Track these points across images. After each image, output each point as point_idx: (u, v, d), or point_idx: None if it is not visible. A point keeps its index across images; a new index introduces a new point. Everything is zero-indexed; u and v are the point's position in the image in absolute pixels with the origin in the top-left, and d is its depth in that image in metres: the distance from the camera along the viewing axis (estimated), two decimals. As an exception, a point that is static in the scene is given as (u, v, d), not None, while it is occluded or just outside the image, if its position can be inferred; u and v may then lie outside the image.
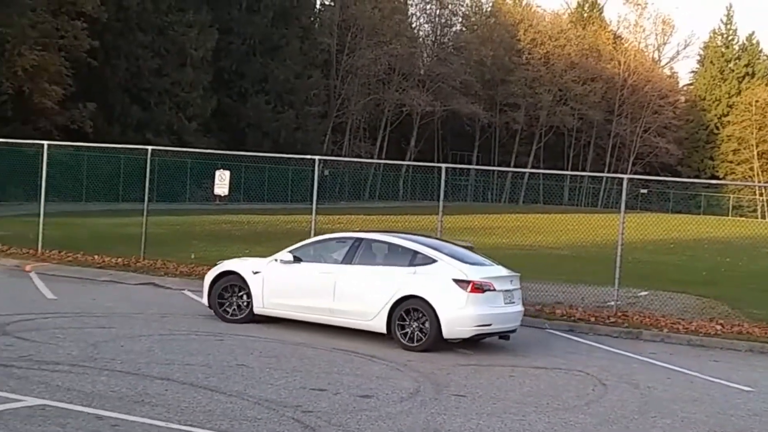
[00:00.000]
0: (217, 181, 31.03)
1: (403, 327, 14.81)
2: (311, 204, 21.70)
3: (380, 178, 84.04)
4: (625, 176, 21.10)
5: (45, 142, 24.56)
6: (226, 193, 32.95)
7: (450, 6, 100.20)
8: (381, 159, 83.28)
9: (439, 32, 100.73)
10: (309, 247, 16.28)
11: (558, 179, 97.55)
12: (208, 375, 11.56)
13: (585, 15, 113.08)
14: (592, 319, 18.26)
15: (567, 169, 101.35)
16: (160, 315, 16.07)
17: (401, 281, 14.98)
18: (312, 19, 78.73)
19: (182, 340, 13.96)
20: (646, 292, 21.72)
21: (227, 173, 31.24)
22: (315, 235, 19.27)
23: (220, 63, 64.70)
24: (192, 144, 53.74)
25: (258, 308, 15.96)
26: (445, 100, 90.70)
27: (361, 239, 15.92)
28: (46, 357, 11.89)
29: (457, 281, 14.65)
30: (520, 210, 63.41)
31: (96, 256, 22.73)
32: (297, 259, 15.85)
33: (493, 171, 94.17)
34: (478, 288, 14.60)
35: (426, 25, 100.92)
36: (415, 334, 14.67)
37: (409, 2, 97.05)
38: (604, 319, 18.24)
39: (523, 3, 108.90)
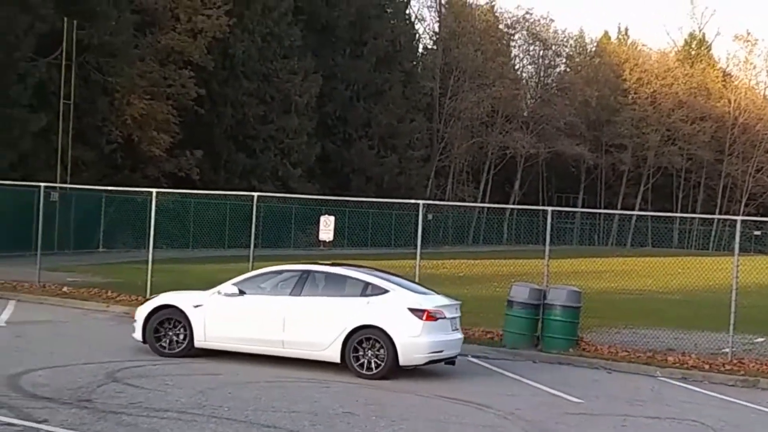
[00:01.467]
0: (322, 226, 31.19)
1: (357, 356, 15.20)
2: (414, 249, 21.58)
3: (484, 222, 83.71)
4: (738, 218, 20.55)
5: (154, 190, 24.91)
6: (331, 238, 33.10)
7: (554, 47, 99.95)
8: (485, 202, 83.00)
9: (542, 73, 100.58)
10: (253, 279, 16.57)
11: (667, 221, 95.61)
12: (315, 423, 11.49)
13: (692, 53, 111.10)
14: (706, 366, 17.68)
15: (676, 211, 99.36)
16: (268, 361, 15.99)
17: (355, 311, 15.41)
18: (414, 63, 79.25)
19: (288, 386, 13.91)
20: (763, 339, 21.01)
21: (332, 219, 31.41)
22: (420, 280, 19.12)
23: (324, 109, 65.42)
24: (296, 190, 54.26)
25: (200, 342, 16.10)
26: (549, 141, 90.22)
27: (308, 271, 16.34)
28: (155, 404, 11.95)
29: (412, 310, 15.21)
30: (627, 253, 62.42)
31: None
32: (241, 292, 16.06)
33: (600, 213, 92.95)
34: (432, 316, 15.22)
35: (529, 67, 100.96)
36: (372, 362, 15.12)
37: (512, 44, 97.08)
38: (719, 367, 17.66)
39: (629, 42, 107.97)
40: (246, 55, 56.58)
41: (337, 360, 15.34)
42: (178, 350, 16.07)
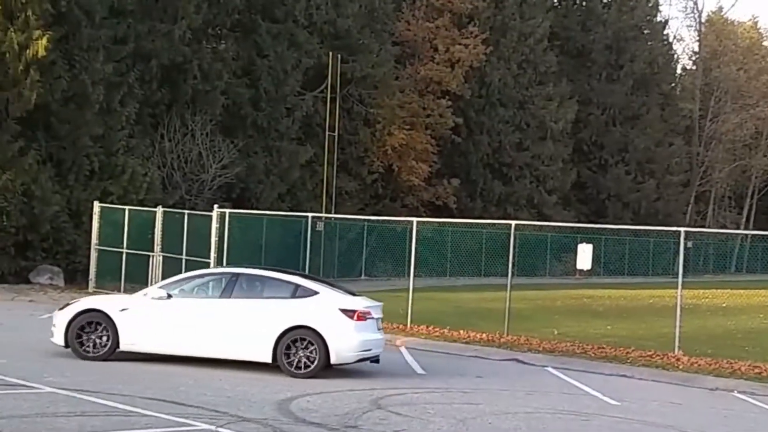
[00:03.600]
0: (579, 254, 31.01)
1: (288, 356, 15.83)
2: (673, 277, 21.11)
3: (747, 250, 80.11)
4: None
5: (414, 219, 25.51)
6: (589, 267, 32.86)
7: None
8: (748, 230, 79.55)
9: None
10: (181, 282, 17.01)
11: None
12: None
13: None
14: None
15: None
16: (525, 392, 16.15)
17: (286, 312, 16.09)
18: (673, 84, 77.37)
19: (548, 418, 13.94)
20: None
21: (590, 247, 31.16)
22: (681, 311, 18.74)
23: (580, 134, 64.93)
24: (551, 217, 54.11)
25: (126, 345, 16.35)
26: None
27: (237, 274, 16.93)
28: (416, 432, 12.27)
29: (344, 311, 16.07)
30: None
31: (461, 331, 23.26)
32: (169, 295, 16.41)
33: None
34: (362, 316, 16.14)
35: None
36: (303, 361, 15.80)
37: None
38: None
39: None
40: (502, 83, 57.08)
41: (269, 360, 15.97)
42: (100, 353, 16.33)
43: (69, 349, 16.46)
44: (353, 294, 17.39)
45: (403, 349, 20.98)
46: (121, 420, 11.57)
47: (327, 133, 45.09)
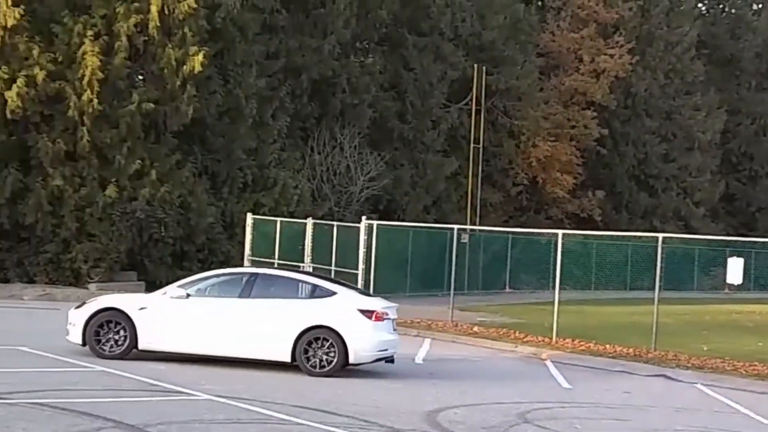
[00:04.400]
0: (729, 268, 30.40)
1: (307, 355, 16.08)
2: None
3: None
4: None
5: (560, 232, 25.43)
6: (740, 281, 32.15)
7: None
8: None
9: None
10: (199, 282, 17.12)
11: None
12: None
13: None
14: None
15: None
16: (674, 409, 16.00)
17: (305, 312, 16.32)
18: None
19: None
20: None
21: (740, 261, 30.51)
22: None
23: (728, 145, 63.43)
24: (698, 230, 53.07)
25: (145, 344, 16.43)
26: None
27: (256, 274, 17.23)
28: (563, 447, 12.40)
29: (362, 311, 16.32)
30: None
31: (607, 346, 23.08)
32: (188, 295, 16.52)
33: None
34: (380, 317, 16.42)
35: None
36: (322, 361, 16.04)
37: None
38: None
39: None
40: (648, 93, 56.34)
41: (288, 359, 16.18)
42: (117, 352, 16.42)
43: (86, 347, 16.66)
44: (369, 295, 17.92)
45: (548, 363, 21.00)
46: (276, 428, 11.89)
47: (472, 145, 45.41)
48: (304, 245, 29.91)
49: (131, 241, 30.90)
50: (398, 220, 37.75)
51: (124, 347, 16.45)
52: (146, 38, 31.71)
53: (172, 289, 17.01)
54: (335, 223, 30.98)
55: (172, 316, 16.60)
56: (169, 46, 31.68)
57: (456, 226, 29.35)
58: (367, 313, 16.47)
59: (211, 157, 34.49)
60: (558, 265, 24.65)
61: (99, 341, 16.49)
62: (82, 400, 12.31)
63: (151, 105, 31.18)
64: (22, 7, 29.95)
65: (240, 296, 16.73)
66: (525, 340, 23.92)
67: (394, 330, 17.31)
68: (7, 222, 30.34)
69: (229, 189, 34.60)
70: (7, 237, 30.56)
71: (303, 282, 17.31)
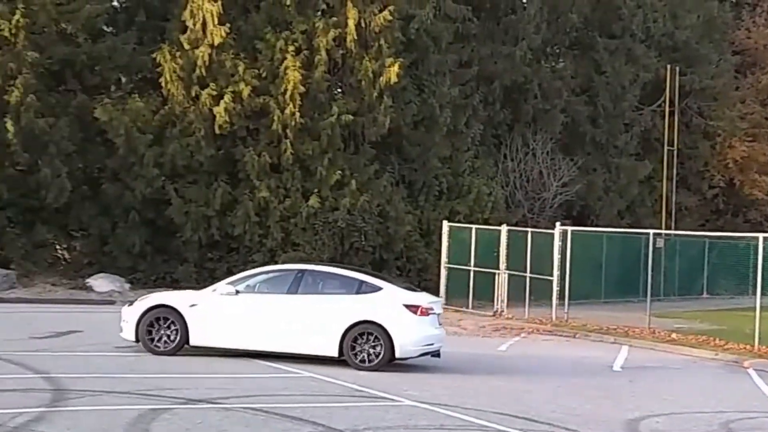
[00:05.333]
0: None
1: (354, 350, 16.50)
2: None
3: None
4: None
5: (760, 235, 24.68)
6: None
7: None
8: None
9: None
10: (247, 279, 17.58)
11: None
12: None
13: None
14: None
15: None
16: None
17: (352, 308, 16.73)
18: None
19: None
20: None
21: None
22: None
23: None
24: None
25: (196, 340, 16.89)
26: None
27: (303, 270, 17.63)
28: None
29: (407, 306, 16.77)
30: None
31: (815, 355, 22.49)
32: (237, 292, 16.97)
33: None
34: (425, 312, 16.87)
35: None
36: (369, 356, 16.46)
37: None
38: None
39: None
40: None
41: (335, 354, 16.60)
42: (170, 348, 16.82)
43: (139, 343, 17.14)
44: (415, 290, 18.22)
45: (751, 371, 20.66)
46: (477, 435, 12.27)
47: (665, 147, 44.76)
48: (498, 252, 30.11)
49: (333, 250, 31.73)
50: (591, 226, 37.67)
51: (175, 343, 17.00)
52: (344, 51, 32.58)
53: (222, 286, 17.49)
54: (529, 229, 31.10)
55: (221, 312, 17.08)
56: (366, 58, 32.49)
57: (652, 231, 29.17)
58: (412, 308, 16.96)
59: (407, 166, 35.21)
60: (759, 269, 24.03)
61: (152, 338, 17.03)
62: (292, 405, 12.89)
63: (350, 116, 32.01)
64: (228, 25, 31.29)
65: (288, 292, 17.18)
66: (725, 347, 23.57)
67: (440, 325, 17.67)
68: (217, 233, 31.67)
69: (425, 197, 35.23)
70: (217, 247, 31.94)
71: (349, 278, 17.70)
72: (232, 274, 31.34)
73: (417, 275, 33.77)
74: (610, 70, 43.11)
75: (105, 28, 33.81)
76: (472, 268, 30.94)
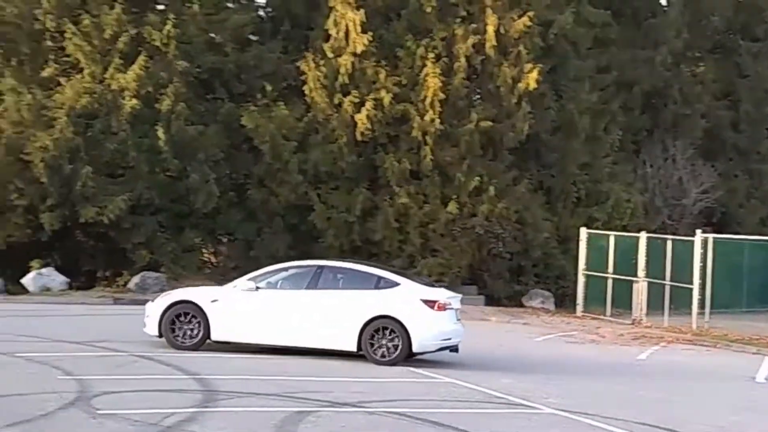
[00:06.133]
0: None
1: (372, 345, 16.73)
2: None
3: None
4: None
5: None
6: None
7: None
8: None
9: None
10: (269, 275, 17.71)
11: None
12: None
13: None
14: None
15: None
16: None
17: (370, 303, 16.96)
18: None
19: None
20: None
21: None
22: None
23: None
24: None
25: (217, 335, 17.13)
26: None
27: (322, 266, 17.88)
28: None
29: (425, 301, 16.99)
30: None
31: None
32: (257, 287, 17.22)
33: None
34: (442, 306, 17.07)
35: None
36: (386, 350, 16.69)
37: None
38: None
39: None
40: None
41: (354, 349, 16.84)
42: (192, 343, 17.01)
43: (162, 339, 17.29)
44: (433, 285, 18.48)
45: None
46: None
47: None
48: (637, 259, 29.87)
49: (471, 256, 32.11)
50: (733, 233, 36.92)
51: (198, 339, 17.21)
52: (483, 58, 32.87)
53: (242, 282, 17.67)
54: (669, 237, 30.76)
55: (242, 308, 17.31)
56: (505, 64, 32.69)
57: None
58: (430, 303, 17.10)
59: (545, 173, 35.28)
60: None
61: (174, 333, 17.24)
62: (434, 410, 12.99)
63: (489, 123, 32.30)
64: (370, 33, 31.96)
65: (307, 288, 17.41)
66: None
67: (459, 320, 17.75)
68: (358, 239, 32.30)
69: (563, 204, 35.22)
70: (358, 253, 32.24)
71: (367, 273, 17.84)
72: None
73: (554, 282, 33.85)
74: (753, 73, 42.23)
75: (251, 37, 34.81)
76: (610, 276, 30.75)
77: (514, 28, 32.65)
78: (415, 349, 17.07)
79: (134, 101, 30.57)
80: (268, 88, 32.58)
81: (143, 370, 15.00)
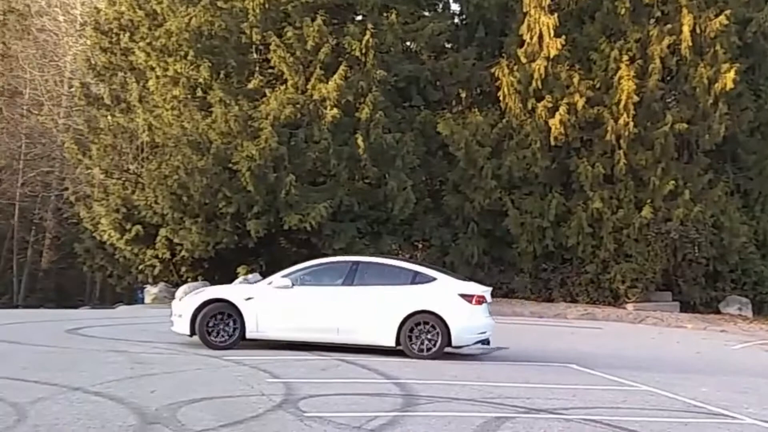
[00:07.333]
0: None
1: (412, 339, 16.78)
2: None
3: None
4: None
5: None
6: None
7: None
8: None
9: None
10: (303, 271, 17.53)
11: None
12: None
13: None
14: None
15: None
16: None
17: (407, 298, 16.96)
18: None
19: None
20: None
21: None
22: None
23: None
24: None
25: (252, 333, 16.97)
26: None
27: (358, 262, 17.82)
28: None
29: (463, 296, 17.07)
30: None
31: None
32: (292, 284, 17.04)
33: None
34: (480, 300, 17.19)
35: None
36: (428, 344, 16.73)
37: None
38: None
39: None
40: None
41: (392, 344, 16.86)
42: (228, 342, 16.95)
43: (196, 337, 17.17)
44: (467, 279, 18.46)
45: None
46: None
47: None
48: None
49: (665, 262, 31.84)
50: None
51: (234, 338, 17.13)
52: (678, 58, 32.51)
53: (277, 279, 17.47)
54: None
55: (278, 305, 17.15)
56: (701, 64, 32.19)
57: None
58: (467, 297, 17.19)
59: (742, 175, 34.51)
60: None
61: (209, 332, 17.10)
62: (631, 419, 12.91)
63: (684, 125, 31.90)
64: (563, 37, 32.10)
65: (343, 284, 17.27)
66: None
67: (490, 313, 17.77)
68: (551, 244, 32.53)
69: (761, 207, 34.41)
70: (551, 258, 32.81)
71: (404, 269, 17.81)
72: (566, 285, 32.46)
73: (752, 288, 33.17)
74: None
75: (447, 44, 35.38)
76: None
77: (711, 27, 32.09)
78: (454, 343, 17.25)
79: (335, 110, 31.53)
80: (463, 94, 33.12)
81: (345, 374, 15.53)
